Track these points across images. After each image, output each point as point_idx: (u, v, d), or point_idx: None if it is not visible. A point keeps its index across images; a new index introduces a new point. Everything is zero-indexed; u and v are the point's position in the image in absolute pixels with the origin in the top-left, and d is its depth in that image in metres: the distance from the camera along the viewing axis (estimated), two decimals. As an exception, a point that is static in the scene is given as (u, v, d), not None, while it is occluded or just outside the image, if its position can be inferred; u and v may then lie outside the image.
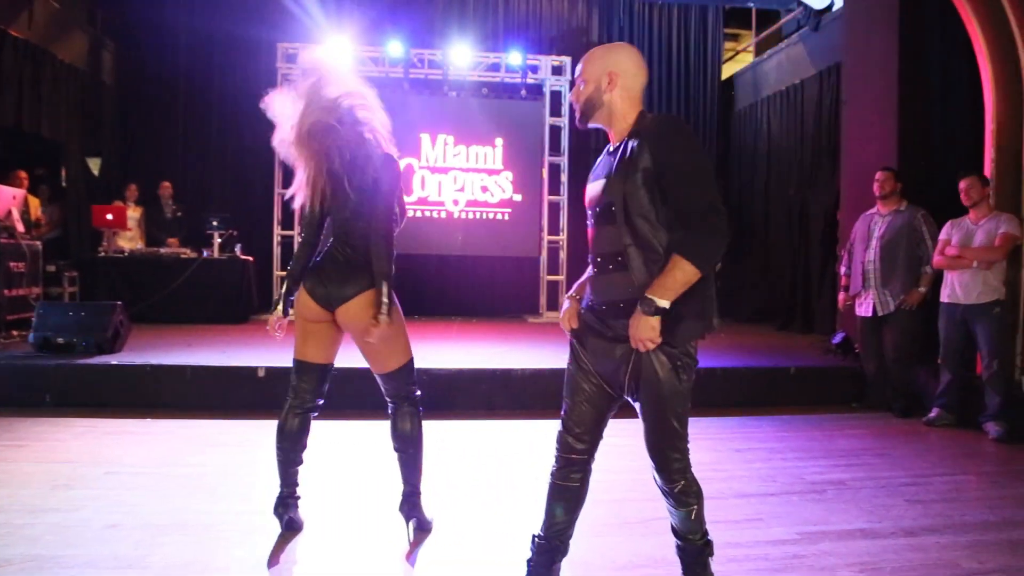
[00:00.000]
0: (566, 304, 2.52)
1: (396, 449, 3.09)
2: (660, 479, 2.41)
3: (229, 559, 2.81)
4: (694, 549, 2.42)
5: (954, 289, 5.20)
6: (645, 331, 2.17)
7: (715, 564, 2.80)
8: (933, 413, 5.31)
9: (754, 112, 10.57)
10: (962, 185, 5.18)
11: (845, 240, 6.17)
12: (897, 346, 5.54)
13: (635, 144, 2.22)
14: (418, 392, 3.13)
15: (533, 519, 2.92)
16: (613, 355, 2.34)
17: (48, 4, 8.30)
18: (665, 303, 2.15)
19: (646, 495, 3.67)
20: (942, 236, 5.29)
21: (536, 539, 2.52)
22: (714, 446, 4.65)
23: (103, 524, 3.12)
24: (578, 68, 2.39)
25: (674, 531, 2.44)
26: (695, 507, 2.38)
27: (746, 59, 12.04)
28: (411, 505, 3.10)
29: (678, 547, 2.44)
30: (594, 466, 4.06)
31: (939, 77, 6.67)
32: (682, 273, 2.12)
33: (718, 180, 10.67)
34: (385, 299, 2.84)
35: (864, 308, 5.66)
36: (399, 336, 3.00)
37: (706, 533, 2.44)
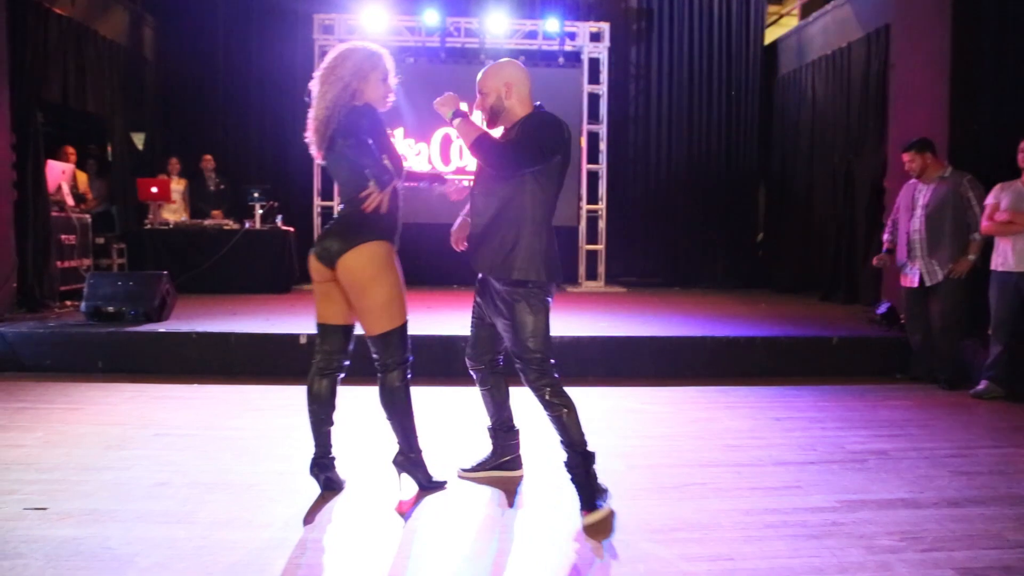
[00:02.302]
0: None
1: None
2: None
3: (271, 516, 2.89)
4: (574, 458, 2.90)
5: (1007, 256, 5.04)
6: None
7: (752, 530, 2.82)
8: (981, 385, 5.17)
9: (798, 78, 10.30)
10: (1022, 144, 4.98)
11: (891, 208, 6.02)
12: (945, 316, 5.40)
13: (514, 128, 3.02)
14: (409, 358, 3.08)
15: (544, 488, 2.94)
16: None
17: (91, -20, 8.42)
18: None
19: (682, 461, 3.68)
20: (990, 200, 5.11)
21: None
22: (752, 414, 4.61)
23: (153, 482, 3.22)
24: (478, 83, 3.05)
25: (560, 442, 2.96)
26: (565, 411, 2.93)
27: (790, 23, 11.72)
28: (403, 461, 3.16)
29: (564, 462, 2.95)
30: (629, 432, 4.14)
31: (992, 38, 6.41)
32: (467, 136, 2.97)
33: (760, 148, 10.44)
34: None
35: (910, 278, 5.52)
36: (390, 299, 2.96)
37: (585, 444, 2.92)
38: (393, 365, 3.02)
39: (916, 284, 5.47)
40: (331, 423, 3.17)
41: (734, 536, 2.77)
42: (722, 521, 2.91)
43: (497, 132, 3.10)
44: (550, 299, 3.02)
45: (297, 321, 6.27)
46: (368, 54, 3.03)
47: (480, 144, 2.93)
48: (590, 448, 2.94)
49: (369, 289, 2.93)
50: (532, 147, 2.89)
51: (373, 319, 2.97)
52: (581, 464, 2.89)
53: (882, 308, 6.59)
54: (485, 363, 3.32)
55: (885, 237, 5.86)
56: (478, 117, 3.15)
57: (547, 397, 2.95)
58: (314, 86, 3.01)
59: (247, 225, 8.88)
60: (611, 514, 2.80)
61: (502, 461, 3.41)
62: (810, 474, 3.51)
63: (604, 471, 3.47)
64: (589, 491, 2.87)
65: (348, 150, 2.94)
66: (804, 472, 3.54)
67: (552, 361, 3.00)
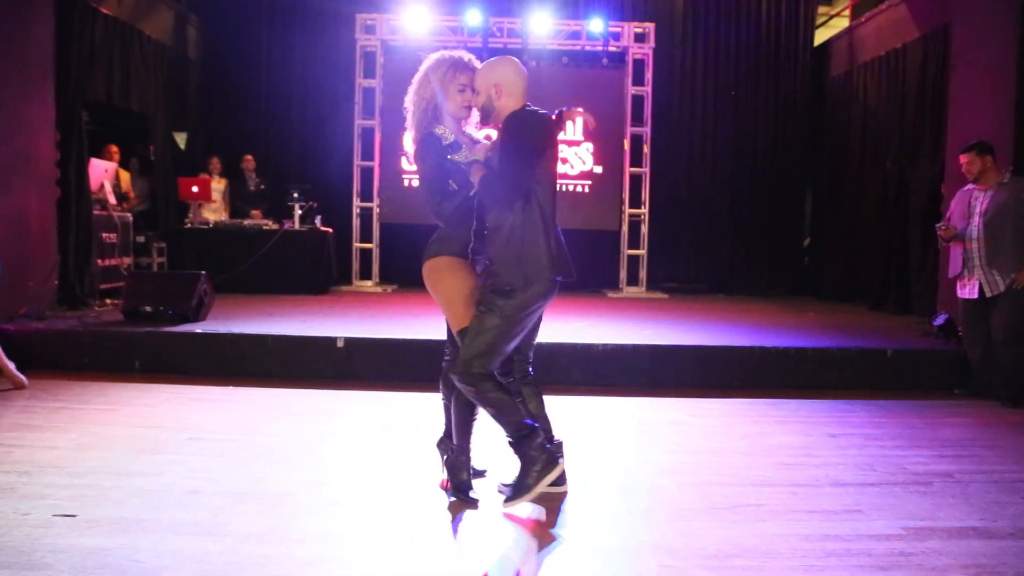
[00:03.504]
0: None
1: None
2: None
3: (304, 531, 2.78)
4: (514, 442, 2.95)
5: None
6: None
7: (813, 558, 2.65)
8: (1049, 403, 4.89)
9: (849, 80, 9.98)
10: None
11: (945, 217, 5.73)
12: (1007, 329, 5.11)
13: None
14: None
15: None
16: None
17: (137, -20, 8.48)
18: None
19: (733, 479, 3.50)
20: None
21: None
22: (805, 430, 4.39)
23: (185, 490, 3.14)
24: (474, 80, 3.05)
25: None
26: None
27: (840, 24, 11.39)
28: (450, 458, 3.22)
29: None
30: (675, 446, 3.98)
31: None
32: None
33: (809, 152, 10.18)
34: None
35: (968, 290, 5.25)
36: (449, 303, 3.09)
37: (519, 428, 2.93)
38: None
39: (975, 296, 5.20)
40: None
41: (794, 565, 2.59)
42: (780, 548, 2.72)
43: (492, 133, 3.15)
44: (524, 305, 2.95)
45: (335, 323, 6.20)
46: (432, 67, 3.13)
47: (479, 187, 2.98)
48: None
49: (435, 295, 3.13)
50: (514, 175, 2.88)
51: (448, 317, 3.14)
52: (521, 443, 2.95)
53: (939, 320, 6.31)
54: (515, 374, 3.23)
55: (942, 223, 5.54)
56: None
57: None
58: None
59: (286, 225, 8.86)
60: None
61: None
62: (871, 497, 3.30)
63: (651, 488, 3.35)
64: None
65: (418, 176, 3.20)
66: (864, 495, 3.33)
67: (479, 372, 2.92)
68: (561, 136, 9.95)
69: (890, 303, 8.47)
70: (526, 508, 2.97)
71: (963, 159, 5.24)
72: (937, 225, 5.48)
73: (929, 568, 2.58)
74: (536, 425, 2.98)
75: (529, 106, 3.01)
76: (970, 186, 5.29)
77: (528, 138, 2.91)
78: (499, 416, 2.94)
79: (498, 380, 2.98)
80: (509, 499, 2.95)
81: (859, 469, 3.69)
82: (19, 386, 4.82)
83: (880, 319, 7.82)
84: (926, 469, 3.71)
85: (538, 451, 2.90)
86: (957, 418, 4.79)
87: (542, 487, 2.89)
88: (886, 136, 8.89)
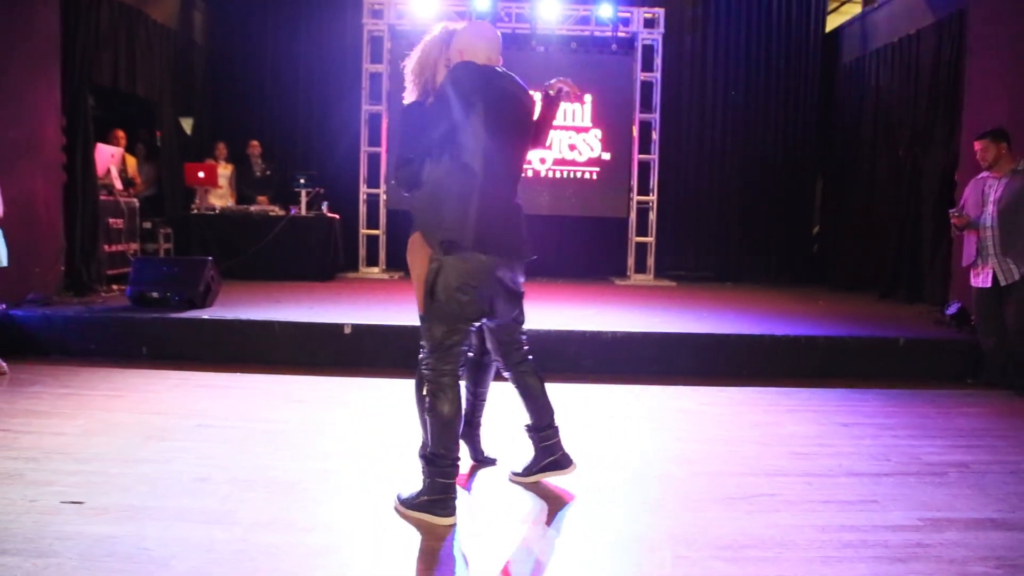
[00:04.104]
0: None
1: None
2: None
3: (313, 518, 2.75)
4: (425, 457, 2.78)
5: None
6: None
7: (830, 549, 2.61)
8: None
9: (861, 66, 9.85)
10: None
11: (959, 204, 5.66)
12: (1022, 317, 5.05)
13: None
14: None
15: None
16: None
17: (143, -36, 8.40)
18: None
19: (746, 468, 3.46)
20: None
21: None
22: (817, 419, 4.35)
23: (192, 477, 3.11)
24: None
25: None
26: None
27: (852, 10, 11.25)
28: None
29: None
30: (685, 435, 3.91)
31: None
32: None
33: (819, 139, 10.09)
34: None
35: (982, 278, 5.18)
36: (417, 284, 2.96)
37: (438, 451, 2.74)
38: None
39: (989, 284, 5.13)
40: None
41: (811, 556, 2.55)
42: (796, 538, 2.68)
43: None
44: (453, 283, 2.73)
45: (342, 310, 6.16)
46: (434, 40, 3.04)
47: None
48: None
49: (412, 273, 3.04)
50: (414, 129, 2.86)
51: (417, 301, 3.00)
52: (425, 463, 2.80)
53: (952, 308, 6.24)
54: (511, 360, 3.12)
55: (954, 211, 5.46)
56: None
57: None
58: None
59: (292, 211, 8.82)
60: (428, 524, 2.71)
61: (548, 461, 3.20)
62: (886, 487, 3.25)
63: (664, 476, 3.31)
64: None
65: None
66: (879, 485, 3.28)
67: (448, 382, 2.77)
68: (569, 122, 9.98)
69: (902, 291, 8.39)
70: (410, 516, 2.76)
71: (977, 146, 5.16)
72: (951, 211, 5.40)
73: (948, 560, 2.54)
74: (456, 463, 2.77)
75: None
76: (984, 174, 5.22)
77: (452, 91, 2.71)
78: (435, 430, 2.74)
79: (459, 395, 2.79)
80: (402, 502, 2.81)
81: (873, 459, 3.64)
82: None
83: (892, 308, 7.74)
84: (941, 459, 3.66)
85: (436, 486, 2.73)
86: (971, 407, 4.73)
87: (419, 517, 2.72)
88: (899, 123, 8.78)
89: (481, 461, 3.35)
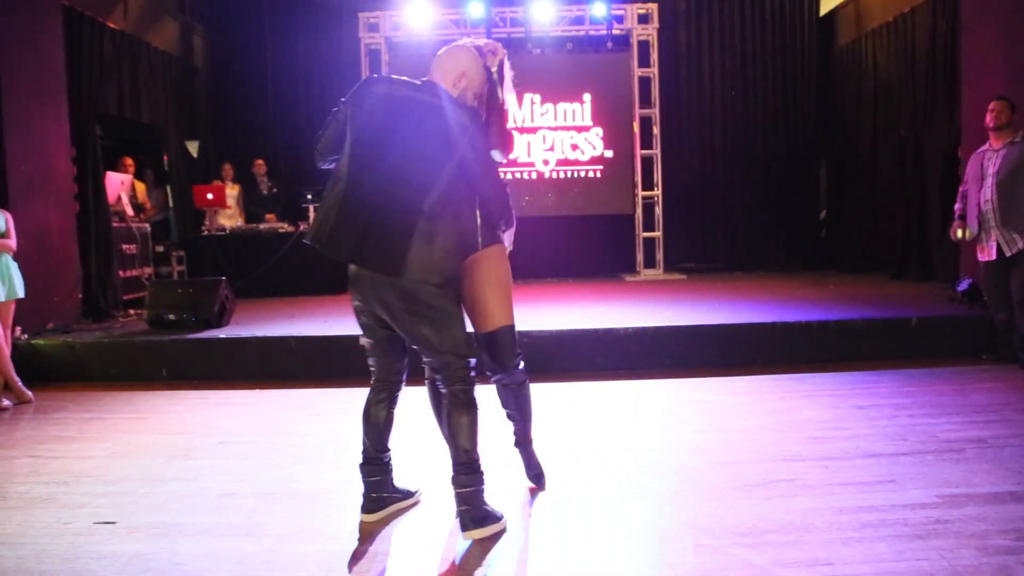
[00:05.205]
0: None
1: None
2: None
3: (340, 526, 2.80)
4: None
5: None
6: None
7: (849, 530, 2.63)
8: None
9: (857, 48, 9.84)
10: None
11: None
12: (1026, 288, 5.05)
13: None
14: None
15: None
16: None
17: (141, -7, 8.53)
18: None
19: (764, 455, 3.49)
20: None
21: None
22: (833, 403, 4.37)
23: (219, 493, 3.18)
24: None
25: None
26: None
27: (847, -8, 11.22)
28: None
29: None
30: (702, 426, 3.88)
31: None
32: None
33: (819, 123, 10.01)
34: None
35: (988, 251, 5.18)
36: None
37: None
38: None
39: (994, 256, 5.14)
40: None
41: (830, 538, 2.58)
42: (815, 521, 2.71)
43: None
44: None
45: (355, 322, 6.20)
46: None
47: None
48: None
49: None
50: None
51: None
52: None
53: (963, 285, 6.22)
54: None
55: (956, 207, 5.53)
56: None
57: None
58: None
59: (301, 227, 8.89)
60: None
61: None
62: (904, 466, 3.28)
63: (681, 468, 3.34)
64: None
65: None
66: (897, 464, 3.30)
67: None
68: (570, 122, 10.03)
69: (912, 271, 8.37)
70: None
71: (994, 105, 5.14)
72: (953, 226, 5.47)
73: (968, 535, 2.56)
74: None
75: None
76: (983, 147, 5.24)
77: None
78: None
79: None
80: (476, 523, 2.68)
81: (890, 439, 3.66)
82: (25, 401, 4.87)
83: (903, 288, 7.74)
84: (958, 436, 3.68)
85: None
86: (986, 383, 4.74)
87: (495, 530, 2.70)
88: (898, 102, 8.77)
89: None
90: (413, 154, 2.63)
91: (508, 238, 2.99)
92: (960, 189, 5.59)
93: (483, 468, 2.71)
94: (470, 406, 2.70)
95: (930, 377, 4.93)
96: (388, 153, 2.64)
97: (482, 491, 2.69)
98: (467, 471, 2.67)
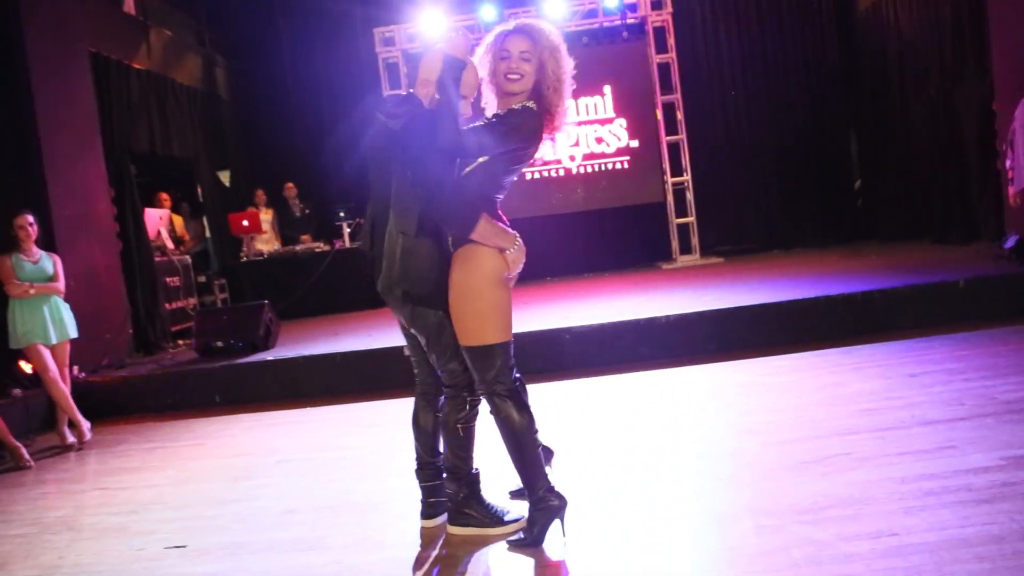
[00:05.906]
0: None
1: None
2: None
3: (400, 534, 2.85)
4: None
5: None
6: None
7: (911, 499, 2.59)
8: None
9: (880, 10, 9.64)
10: None
11: (1005, 132, 5.53)
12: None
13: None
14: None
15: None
16: None
17: (161, 33, 8.74)
18: None
19: (816, 432, 3.45)
20: None
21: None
22: (883, 373, 4.29)
23: (281, 510, 3.25)
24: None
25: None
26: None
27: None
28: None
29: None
30: (752, 407, 3.80)
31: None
32: None
33: (846, 90, 9.74)
34: None
35: (1036, 202, 5.06)
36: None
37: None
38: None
39: None
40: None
41: (892, 508, 2.54)
42: (875, 493, 2.68)
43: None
44: None
45: (399, 333, 6.27)
46: None
47: None
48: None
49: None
50: None
51: None
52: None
53: (1010, 242, 6.06)
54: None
55: (1007, 164, 5.39)
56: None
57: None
58: None
59: (337, 245, 9.02)
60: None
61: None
62: (963, 431, 3.21)
63: (735, 451, 3.33)
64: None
65: None
66: (955, 430, 3.24)
67: None
68: (592, 115, 10.01)
69: (955, 233, 8.17)
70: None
71: None
72: (1011, 192, 5.33)
73: (1035, 496, 2.51)
74: None
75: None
76: None
77: None
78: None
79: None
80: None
81: (946, 405, 3.59)
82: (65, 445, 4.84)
83: (947, 251, 7.56)
84: (1017, 396, 3.59)
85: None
86: (1043, 340, 4.63)
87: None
88: (926, 62, 8.57)
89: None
90: (386, 174, 2.77)
91: (488, 234, 2.57)
92: (1004, 145, 5.44)
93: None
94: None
95: (983, 339, 4.82)
96: (379, 176, 2.82)
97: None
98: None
